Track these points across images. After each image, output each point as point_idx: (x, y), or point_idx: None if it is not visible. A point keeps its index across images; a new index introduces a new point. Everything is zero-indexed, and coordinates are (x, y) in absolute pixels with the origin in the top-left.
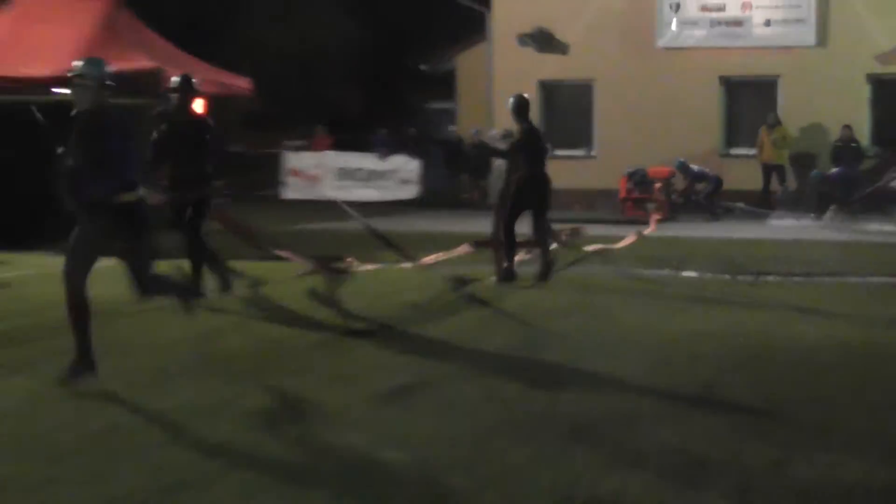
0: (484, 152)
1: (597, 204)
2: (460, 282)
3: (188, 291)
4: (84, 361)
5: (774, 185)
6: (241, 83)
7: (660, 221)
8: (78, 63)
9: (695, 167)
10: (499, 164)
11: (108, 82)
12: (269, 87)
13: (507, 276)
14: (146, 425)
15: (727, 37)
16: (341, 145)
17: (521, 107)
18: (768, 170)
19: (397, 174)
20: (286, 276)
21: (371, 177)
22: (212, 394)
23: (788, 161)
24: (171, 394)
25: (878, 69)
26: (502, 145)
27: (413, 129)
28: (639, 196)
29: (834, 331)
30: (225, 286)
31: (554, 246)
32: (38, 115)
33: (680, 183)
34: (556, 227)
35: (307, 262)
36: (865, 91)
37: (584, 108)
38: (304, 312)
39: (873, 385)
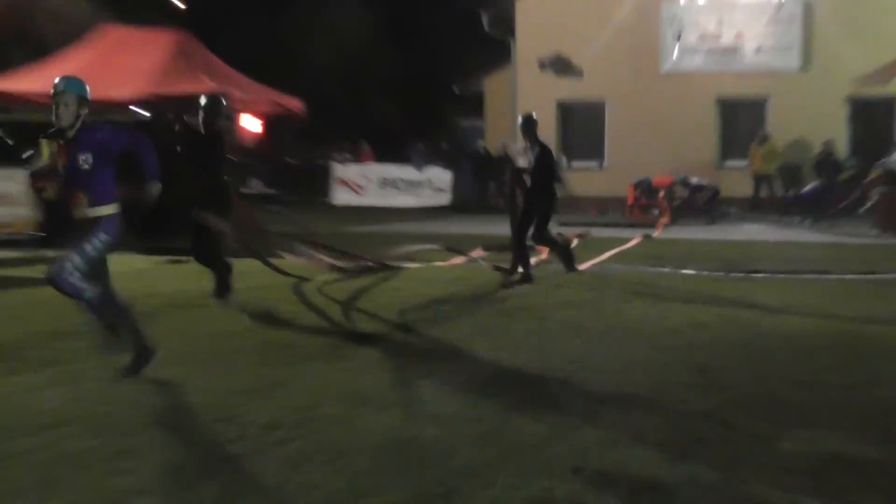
0: (506, 166)
1: (608, 209)
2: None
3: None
4: (143, 352)
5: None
6: (294, 103)
7: (665, 226)
8: (58, 81)
9: (694, 180)
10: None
11: (86, 98)
12: (320, 105)
13: (525, 280)
14: (204, 404)
15: (723, 63)
16: (383, 157)
17: (528, 125)
18: (758, 179)
19: (432, 183)
20: (329, 276)
21: (409, 186)
22: (264, 378)
23: (776, 172)
24: (228, 376)
25: (856, 91)
26: (522, 160)
27: (446, 143)
28: (645, 203)
29: (817, 321)
30: (221, 292)
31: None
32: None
33: (681, 191)
34: (567, 230)
35: (348, 262)
36: (844, 110)
37: (596, 125)
38: (347, 309)
39: (851, 369)
